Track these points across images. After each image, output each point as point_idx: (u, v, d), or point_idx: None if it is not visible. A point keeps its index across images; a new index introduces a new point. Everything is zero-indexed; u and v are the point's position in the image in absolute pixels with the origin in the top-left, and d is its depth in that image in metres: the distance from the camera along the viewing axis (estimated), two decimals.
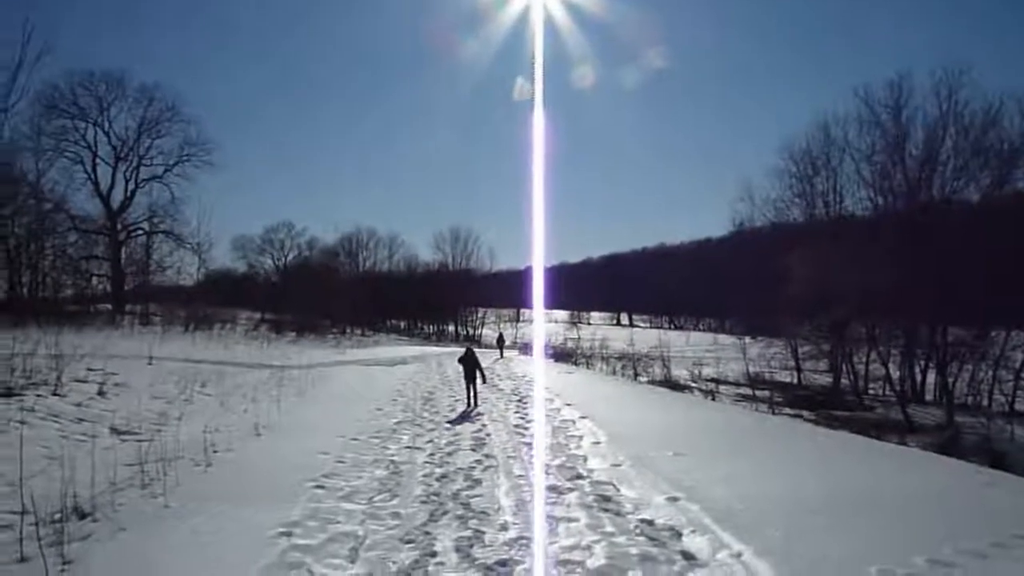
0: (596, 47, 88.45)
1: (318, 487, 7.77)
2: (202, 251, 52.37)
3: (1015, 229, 28.18)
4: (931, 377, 32.94)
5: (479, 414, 13.83)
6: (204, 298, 49.37)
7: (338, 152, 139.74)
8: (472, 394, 15.58)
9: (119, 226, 49.59)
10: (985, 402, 29.76)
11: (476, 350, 18.07)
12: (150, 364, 18.94)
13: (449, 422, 12.89)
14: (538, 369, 25.50)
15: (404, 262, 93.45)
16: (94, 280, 47.18)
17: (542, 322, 71.59)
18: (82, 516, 6.47)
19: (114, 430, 10.90)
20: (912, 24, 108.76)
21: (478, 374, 15.90)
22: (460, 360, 16.40)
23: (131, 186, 51.30)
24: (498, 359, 32.30)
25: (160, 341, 27.55)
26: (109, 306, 43.91)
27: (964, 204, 33.48)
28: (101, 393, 13.50)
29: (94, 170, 49.85)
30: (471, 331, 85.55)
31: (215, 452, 9.35)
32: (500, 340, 40.81)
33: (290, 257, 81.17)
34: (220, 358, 25.69)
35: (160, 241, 50.93)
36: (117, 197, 50.82)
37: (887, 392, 33.92)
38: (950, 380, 30.01)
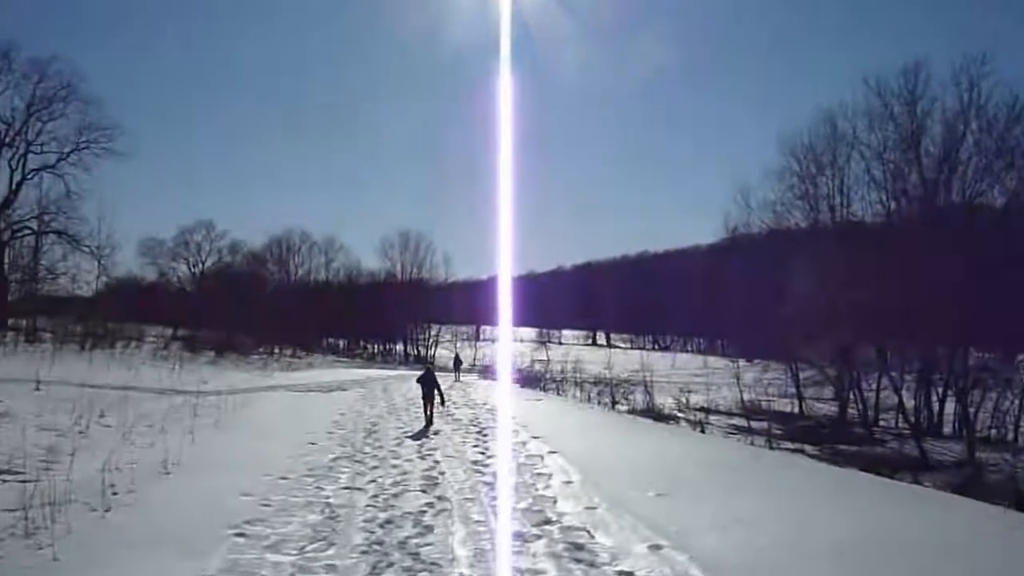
0: (571, 31, 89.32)
1: (239, 535, 7.64)
2: (103, 255, 51.44)
3: None
4: (950, 407, 33.52)
5: (431, 449, 13.76)
6: (105, 311, 48.47)
7: (267, 144, 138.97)
8: (429, 413, 17.73)
9: (2, 224, 48.50)
10: (1010, 436, 30.42)
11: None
12: (38, 390, 18.53)
13: (396, 458, 12.79)
14: (501, 395, 25.46)
15: (344, 270, 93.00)
16: None
17: (509, 341, 71.61)
18: None
19: None
20: (928, 5, 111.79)
21: (436, 394, 17.96)
22: (419, 380, 18.66)
23: (17, 177, 50.11)
24: (454, 383, 32.22)
25: (51, 362, 26.96)
26: None
27: (987, 209, 34.26)
28: None
29: None
30: (423, 351, 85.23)
31: (115, 494, 9.15)
32: (456, 361, 40.84)
33: (209, 263, 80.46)
34: (123, 382, 25.22)
35: (52, 243, 49.92)
36: (0, 190, 49.76)
37: (900, 424, 34.50)
38: (971, 411, 30.60)
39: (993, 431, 31.11)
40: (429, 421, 17.50)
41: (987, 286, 28.36)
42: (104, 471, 10.05)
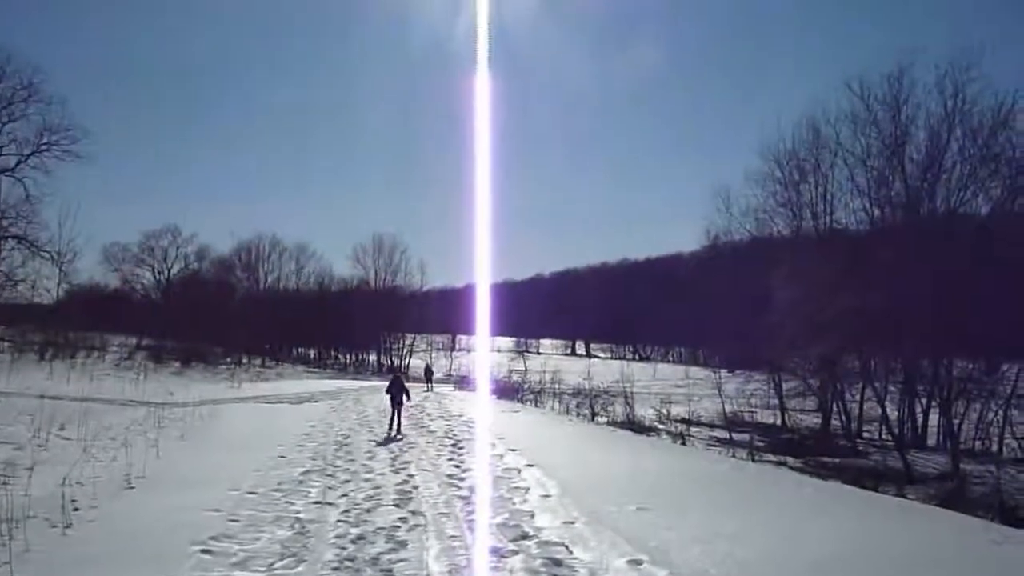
0: (552, 34, 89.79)
1: (205, 551, 7.58)
2: (64, 262, 50.56)
3: None
4: (934, 418, 33.82)
5: (405, 462, 13.74)
6: (65, 319, 48.00)
7: (236, 147, 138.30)
8: (397, 420, 18.96)
9: None
10: (995, 447, 30.71)
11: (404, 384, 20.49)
12: None
13: (368, 472, 12.76)
14: (478, 407, 25.45)
15: (315, 278, 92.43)
16: None
17: (485, 351, 71.64)
18: None
19: None
20: (914, 8, 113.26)
21: (404, 398, 19.49)
22: (388, 390, 19.95)
23: None
24: (427, 394, 32.20)
25: (8, 372, 26.70)
26: None
27: (971, 218, 34.60)
28: None
29: None
30: (397, 361, 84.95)
31: (76, 510, 9.06)
32: (427, 372, 40.89)
33: (175, 270, 79.62)
34: (85, 393, 25.03)
35: (10, 248, 49.10)
36: None
37: (884, 435, 34.77)
38: (955, 422, 30.90)
39: (978, 442, 31.40)
40: (398, 428, 18.71)
41: (971, 295, 28.67)
42: (64, 486, 9.96)
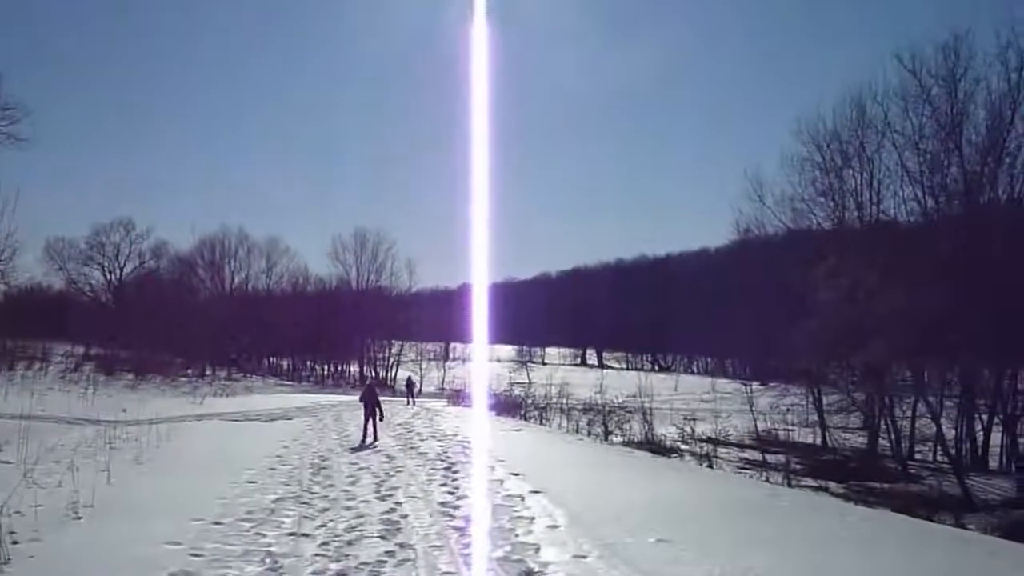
0: (556, 13, 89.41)
1: None
2: (0, 259, 50.77)
3: None
4: (996, 437, 33.74)
5: (392, 488, 13.73)
6: (2, 326, 47.97)
7: (197, 130, 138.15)
8: (373, 429, 21.52)
9: None
10: None
11: (384, 398, 22.09)
12: None
13: (350, 499, 12.75)
14: (474, 425, 25.45)
15: (289, 277, 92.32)
16: None
17: (483, 360, 71.59)
18: None
19: None
20: None
21: (377, 411, 21.90)
22: (360, 399, 22.77)
23: None
24: (414, 410, 32.04)
25: None
26: None
27: None
28: None
29: None
30: (382, 373, 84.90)
31: (15, 543, 9.06)
32: (409, 384, 40.87)
33: (128, 269, 79.74)
34: (24, 410, 24.97)
35: None
36: None
37: (939, 457, 34.71)
38: (1021, 441, 30.82)
39: None
40: (375, 436, 21.10)
41: None
42: (2, 516, 9.95)
